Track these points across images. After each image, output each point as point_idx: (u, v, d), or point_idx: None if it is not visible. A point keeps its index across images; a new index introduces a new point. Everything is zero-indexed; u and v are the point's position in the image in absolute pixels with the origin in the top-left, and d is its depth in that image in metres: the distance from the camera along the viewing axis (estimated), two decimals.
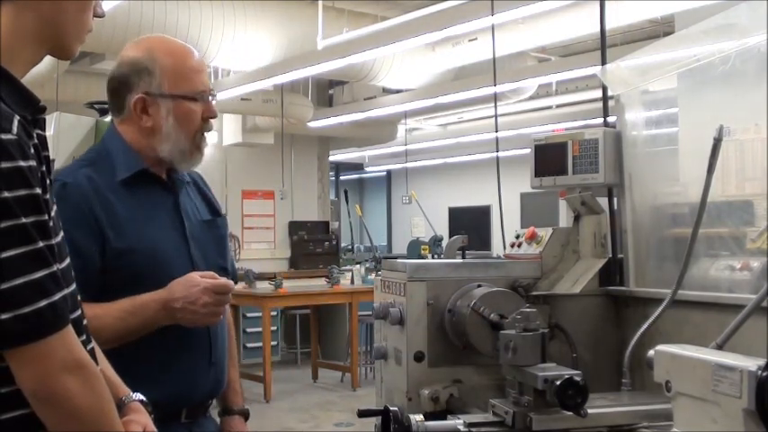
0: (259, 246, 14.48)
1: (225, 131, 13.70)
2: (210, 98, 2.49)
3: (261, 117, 12.81)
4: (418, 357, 2.61)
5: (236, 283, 2.68)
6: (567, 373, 2.15)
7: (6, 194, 1.38)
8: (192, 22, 8.54)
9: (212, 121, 2.51)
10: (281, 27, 9.36)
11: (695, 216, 2.25)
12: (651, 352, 1.80)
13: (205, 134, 2.51)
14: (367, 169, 22.37)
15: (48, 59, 1.67)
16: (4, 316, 1.38)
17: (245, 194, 14.41)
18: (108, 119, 5.86)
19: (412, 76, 11.17)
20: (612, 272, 2.84)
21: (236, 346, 2.78)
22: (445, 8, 8.53)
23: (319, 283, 10.68)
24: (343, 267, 11.99)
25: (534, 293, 2.73)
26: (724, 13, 2.48)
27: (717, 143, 2.14)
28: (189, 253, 2.45)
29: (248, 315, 11.25)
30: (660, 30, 9.71)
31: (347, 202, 11.45)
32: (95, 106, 6.15)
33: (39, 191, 1.44)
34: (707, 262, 2.45)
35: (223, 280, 2.34)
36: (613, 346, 2.74)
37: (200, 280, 2.30)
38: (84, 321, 1.65)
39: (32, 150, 1.46)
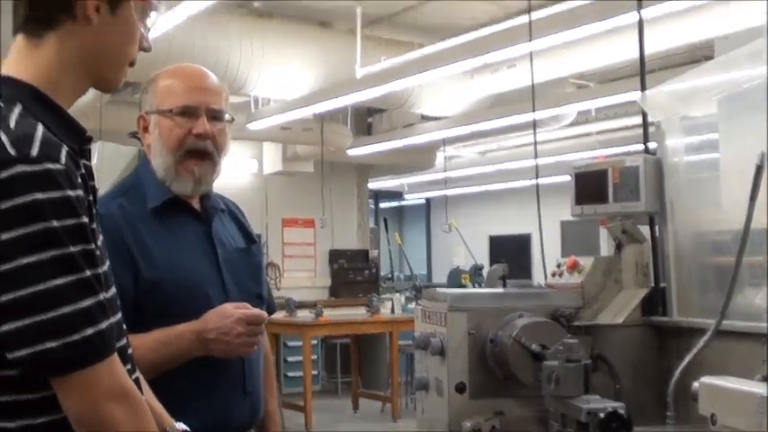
0: (299, 274, 14.50)
1: (265, 160, 13.78)
2: (209, 116, 2.43)
3: (300, 145, 12.86)
4: (459, 388, 2.59)
5: (273, 311, 2.70)
6: (611, 405, 2.12)
7: (55, 224, 1.39)
8: (233, 52, 8.61)
9: (212, 140, 2.43)
10: (320, 56, 9.41)
11: (738, 244, 2.21)
12: (695, 384, 1.77)
13: (201, 156, 2.44)
14: (406, 197, 22.35)
15: (91, 89, 1.69)
16: (53, 344, 1.38)
17: (286, 223, 14.46)
18: None
19: (450, 104, 11.17)
20: (655, 301, 2.80)
21: (277, 376, 2.78)
22: (483, 35, 8.55)
23: (359, 312, 10.65)
24: (383, 296, 11.96)
25: (576, 324, 2.71)
26: (764, 38, 2.45)
27: (759, 170, 2.11)
28: (222, 281, 2.44)
29: (289, 344, 11.25)
30: (699, 55, 9.65)
31: (386, 231, 11.45)
32: (137, 136, 6.21)
33: (86, 220, 1.46)
34: (751, 291, 2.41)
35: (256, 310, 2.34)
36: (657, 378, 2.70)
37: (233, 311, 2.30)
38: (129, 350, 1.66)
39: (80, 180, 1.48)
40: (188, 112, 2.40)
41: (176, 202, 2.45)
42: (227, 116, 2.49)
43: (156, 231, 2.38)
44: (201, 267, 2.43)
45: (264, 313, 2.38)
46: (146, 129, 2.48)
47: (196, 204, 2.51)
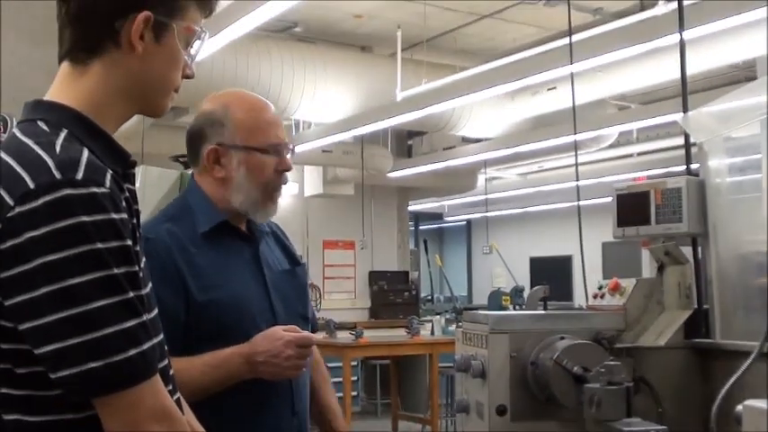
0: (339, 295, 14.53)
1: (306, 183, 13.84)
2: (288, 152, 2.52)
3: (341, 168, 12.92)
4: (500, 411, 2.58)
5: (315, 332, 2.70)
6: (653, 428, 2.11)
7: (100, 246, 1.41)
8: (274, 76, 8.68)
9: (288, 173, 2.53)
10: (361, 80, 9.46)
11: None
12: (739, 407, 1.75)
13: (281, 186, 2.53)
14: (446, 219, 22.34)
15: None
16: (96, 364, 1.40)
17: (326, 244, 14.50)
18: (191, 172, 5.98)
19: (491, 126, 11.18)
20: (698, 323, 2.78)
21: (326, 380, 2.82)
22: (523, 57, 8.55)
23: (399, 334, 10.64)
24: (423, 318, 11.94)
25: (618, 346, 2.69)
26: None
27: None
28: (270, 303, 2.47)
29: (329, 365, 11.23)
30: (742, 75, 9.60)
31: (427, 252, 11.45)
32: (180, 159, 6.27)
33: (130, 242, 1.48)
34: None
35: (306, 333, 2.37)
36: (700, 401, 2.68)
37: (282, 333, 2.32)
38: (171, 371, 1.68)
39: (124, 203, 1.50)
40: (276, 150, 2.47)
41: (226, 226, 2.48)
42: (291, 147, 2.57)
43: (206, 255, 2.41)
44: (250, 290, 2.45)
45: (314, 336, 2.40)
46: (217, 161, 2.47)
47: (243, 228, 2.54)
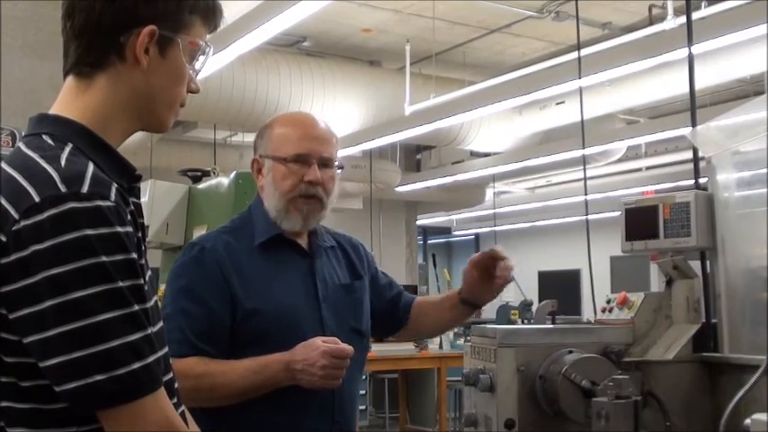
0: None
1: None
2: (315, 162, 2.57)
3: (350, 182, 12.93)
4: (509, 425, 2.57)
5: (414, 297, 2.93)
6: None
7: (104, 259, 1.42)
8: (283, 90, 8.71)
9: (322, 186, 2.59)
10: (369, 94, 9.48)
11: None
12: (747, 421, 1.75)
13: (312, 197, 2.59)
14: (455, 233, 22.33)
15: None
16: (101, 377, 1.40)
17: None
18: (200, 186, 6.01)
19: (499, 140, 11.19)
20: (706, 337, 2.77)
21: None
22: (532, 72, 8.57)
23: (407, 348, 10.62)
24: None
25: (626, 360, 2.69)
26: None
27: None
28: (320, 315, 2.54)
29: None
30: (750, 89, 9.60)
31: (435, 267, 11.43)
32: (188, 173, 6.30)
33: (134, 255, 1.48)
34: None
35: (343, 345, 2.40)
36: (708, 415, 2.67)
37: (320, 344, 2.37)
38: (176, 384, 1.68)
39: (129, 217, 1.51)
40: (301, 160, 2.55)
41: (283, 239, 2.59)
42: (336, 163, 2.64)
43: (259, 265, 2.53)
44: (299, 301, 2.54)
45: (349, 348, 2.42)
46: (259, 171, 2.63)
47: (303, 241, 2.64)
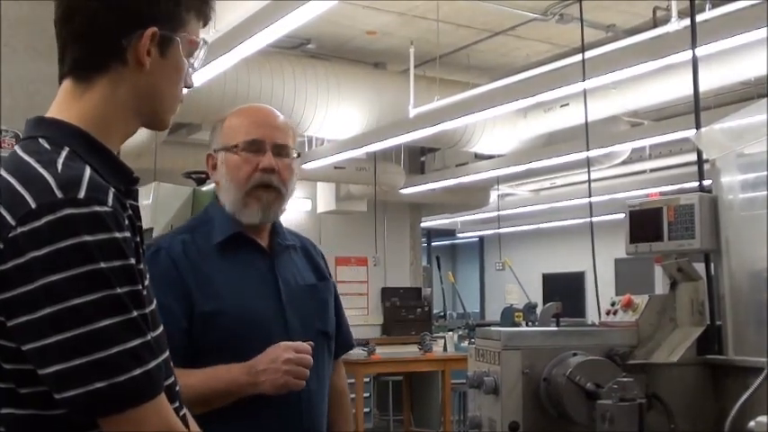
0: (352, 312, 14.39)
1: (319, 199, 13.87)
2: (268, 149, 2.47)
3: (354, 185, 12.94)
4: (513, 428, 2.57)
5: (351, 347, 2.85)
6: None
7: (102, 265, 1.40)
8: (287, 92, 8.72)
9: (278, 175, 2.48)
10: (374, 97, 9.49)
11: None
12: (752, 423, 1.75)
13: (269, 186, 2.48)
14: (459, 235, 22.33)
15: (146, 130, 1.72)
16: (101, 384, 1.39)
17: (339, 261, 14.51)
18: (204, 188, 6.00)
19: (503, 142, 11.19)
20: (710, 340, 2.77)
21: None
22: (536, 74, 8.57)
23: (412, 350, 10.63)
24: (436, 334, 11.92)
25: (631, 362, 2.68)
26: None
27: None
28: (284, 317, 2.46)
29: None
30: (754, 91, 9.59)
31: (439, 269, 11.44)
32: (192, 176, 6.30)
33: (133, 261, 1.47)
34: None
35: (302, 343, 2.35)
36: (712, 417, 2.67)
37: (281, 344, 2.32)
38: (177, 388, 1.67)
39: (127, 221, 1.49)
40: (254, 147, 2.46)
41: (242, 238, 2.49)
42: (293, 152, 2.54)
43: (218, 266, 2.42)
44: (261, 302, 2.45)
45: (306, 346, 2.35)
46: (214, 167, 2.53)
47: (264, 241, 2.54)
